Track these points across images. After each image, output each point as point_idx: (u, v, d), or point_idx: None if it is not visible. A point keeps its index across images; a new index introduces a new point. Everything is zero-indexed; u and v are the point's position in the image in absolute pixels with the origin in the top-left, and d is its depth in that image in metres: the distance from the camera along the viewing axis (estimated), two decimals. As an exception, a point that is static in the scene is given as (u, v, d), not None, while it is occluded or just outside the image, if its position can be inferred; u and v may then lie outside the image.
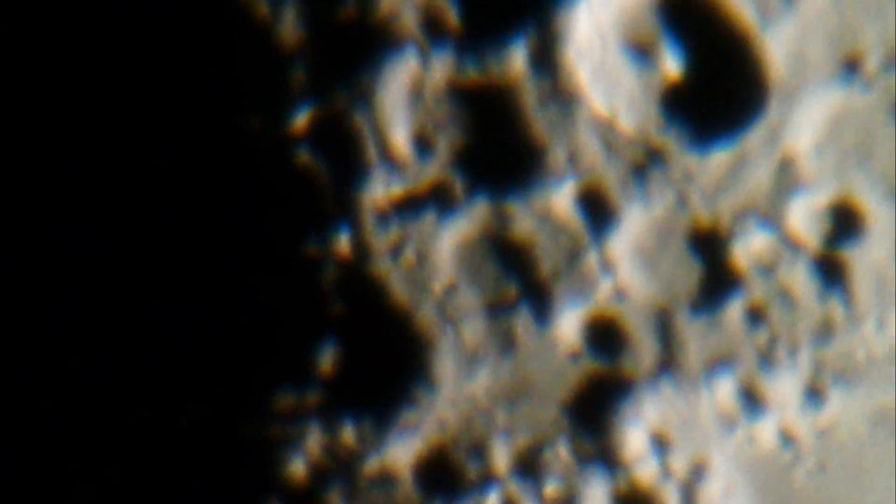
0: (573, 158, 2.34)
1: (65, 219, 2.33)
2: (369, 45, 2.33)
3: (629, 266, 2.38)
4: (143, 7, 2.30)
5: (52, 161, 2.34)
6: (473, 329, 2.38)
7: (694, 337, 2.40)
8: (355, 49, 2.33)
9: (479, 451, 2.39)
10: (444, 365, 2.38)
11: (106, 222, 2.34)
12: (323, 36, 2.33)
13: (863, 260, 2.40)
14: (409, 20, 2.32)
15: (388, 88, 2.33)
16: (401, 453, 2.39)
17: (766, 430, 2.43)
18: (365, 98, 2.33)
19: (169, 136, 2.32)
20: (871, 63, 2.32)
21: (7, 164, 2.31)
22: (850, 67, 2.33)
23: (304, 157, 2.35)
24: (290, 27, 2.33)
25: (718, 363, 2.41)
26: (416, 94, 2.33)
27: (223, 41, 2.32)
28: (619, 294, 2.38)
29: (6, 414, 2.32)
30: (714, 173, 2.36)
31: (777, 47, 2.33)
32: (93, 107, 2.33)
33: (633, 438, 2.42)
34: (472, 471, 2.40)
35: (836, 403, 2.43)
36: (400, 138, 2.34)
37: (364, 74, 2.33)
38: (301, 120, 2.34)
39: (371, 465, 2.38)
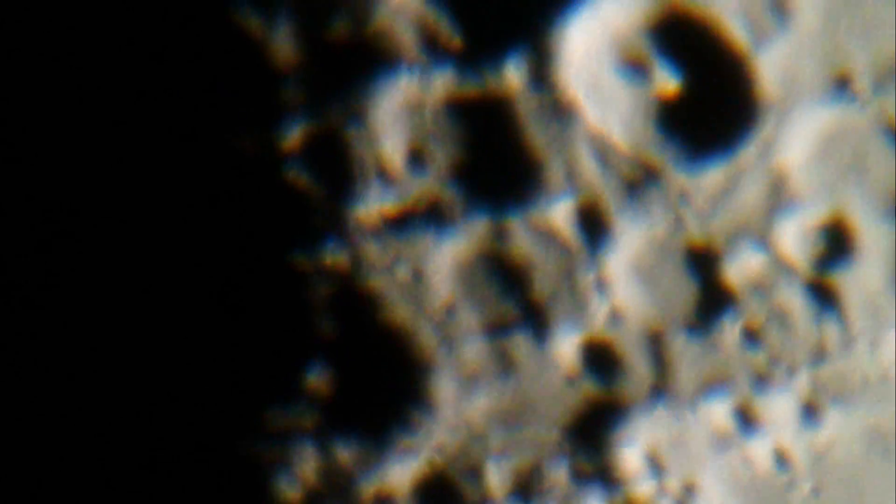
0: (570, 175, 2.34)
1: (52, 235, 2.30)
2: (363, 61, 2.33)
3: (625, 285, 2.37)
4: (135, 24, 2.29)
5: (44, 177, 2.31)
6: (471, 350, 2.36)
7: (689, 357, 2.39)
8: (349, 65, 2.33)
9: (477, 473, 2.36)
10: (442, 386, 2.35)
11: (96, 238, 2.31)
12: (317, 52, 2.33)
13: (855, 281, 2.40)
14: (403, 37, 2.33)
15: (383, 105, 2.33)
16: (398, 476, 2.36)
17: (761, 452, 2.42)
18: (359, 114, 2.33)
19: (161, 152, 2.30)
20: (862, 83, 2.35)
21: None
22: (842, 87, 2.35)
23: (297, 173, 2.33)
24: (283, 43, 2.33)
25: (713, 384, 2.40)
26: (411, 110, 2.33)
27: (216, 57, 2.31)
28: (615, 314, 2.37)
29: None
30: (708, 191, 2.37)
31: (769, 66, 2.35)
32: (85, 122, 2.31)
33: (629, 459, 2.40)
34: (469, 493, 2.36)
35: (832, 425, 2.43)
36: (394, 154, 2.33)
37: (358, 91, 2.33)
38: (295, 136, 2.33)
39: (367, 489, 2.35)
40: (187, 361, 2.31)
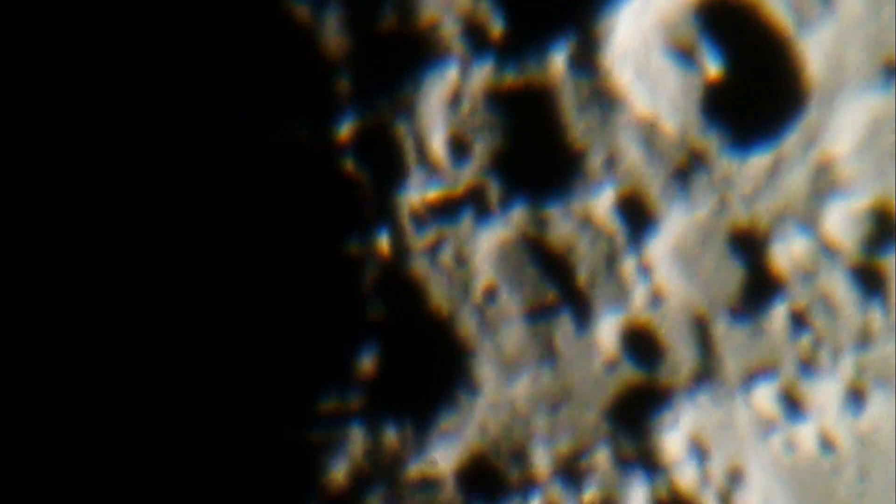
0: (612, 162, 2.35)
1: (108, 223, 2.35)
2: (411, 54, 2.35)
3: (668, 271, 2.38)
4: (189, 19, 2.33)
5: (98, 174, 2.36)
6: (513, 334, 2.39)
7: (733, 342, 2.40)
8: (397, 58, 2.35)
9: (520, 456, 2.39)
10: (485, 370, 2.38)
11: (152, 228, 2.36)
12: (365, 45, 2.36)
13: (902, 265, 2.39)
14: (450, 28, 2.35)
15: (429, 96, 2.36)
16: (442, 458, 2.39)
17: (806, 437, 2.42)
18: (406, 106, 2.36)
19: (216, 144, 2.34)
20: (908, 67, 2.34)
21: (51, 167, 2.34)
22: (888, 71, 2.34)
23: (347, 163, 2.37)
24: (333, 37, 2.36)
25: (758, 368, 2.40)
26: (456, 101, 2.35)
27: (269, 52, 2.34)
28: (658, 299, 2.38)
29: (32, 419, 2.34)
30: (753, 176, 2.37)
31: (815, 51, 2.34)
32: (140, 114, 2.36)
33: (672, 444, 2.41)
34: (513, 476, 2.39)
35: (877, 410, 2.42)
36: (439, 143, 2.36)
37: (405, 83, 2.35)
38: (345, 128, 2.36)
39: (413, 470, 2.38)
40: (239, 346, 2.35)
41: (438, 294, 2.38)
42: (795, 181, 2.37)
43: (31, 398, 2.37)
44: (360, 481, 2.39)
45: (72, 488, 2.34)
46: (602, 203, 2.36)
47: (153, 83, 2.36)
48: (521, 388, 2.39)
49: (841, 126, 2.35)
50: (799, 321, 2.39)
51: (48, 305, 2.36)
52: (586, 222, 2.36)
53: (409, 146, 2.36)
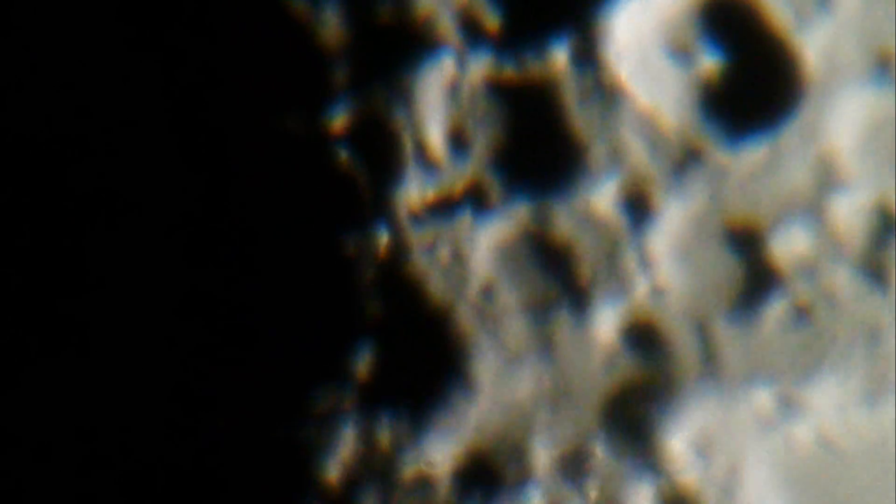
0: (613, 157, 2.34)
1: (98, 217, 2.34)
2: (408, 45, 2.35)
3: (669, 265, 2.37)
4: (185, 7, 2.33)
5: (94, 163, 2.36)
6: (512, 330, 2.37)
7: (734, 338, 2.38)
8: (394, 49, 2.35)
9: (519, 453, 2.37)
10: (483, 367, 2.36)
11: (144, 224, 2.35)
12: (362, 36, 2.36)
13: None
14: (447, 20, 2.35)
15: (426, 88, 2.35)
16: (439, 456, 2.37)
17: (807, 436, 2.40)
18: (403, 98, 2.35)
19: (209, 135, 2.34)
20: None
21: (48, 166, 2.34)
22: (883, 67, 2.34)
23: (342, 156, 2.36)
24: (330, 28, 2.36)
25: (759, 365, 2.38)
26: (454, 93, 2.35)
27: (264, 41, 2.34)
28: (658, 294, 2.37)
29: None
30: (752, 170, 2.36)
31: (812, 47, 2.34)
32: (134, 108, 2.35)
33: (673, 440, 2.39)
34: (511, 474, 2.37)
35: (882, 409, 2.40)
36: (437, 138, 2.35)
37: (402, 74, 2.35)
38: (340, 120, 2.35)
39: (408, 469, 2.36)
40: (232, 344, 2.34)
41: (436, 290, 2.36)
42: (795, 175, 2.36)
43: (23, 397, 2.35)
44: (354, 481, 2.37)
45: (63, 487, 2.32)
46: (603, 198, 2.35)
47: (148, 76, 2.36)
48: (521, 384, 2.36)
49: (839, 120, 2.35)
50: (801, 318, 2.38)
51: (38, 305, 2.35)
52: (587, 217, 2.35)
53: (406, 140, 2.35)
